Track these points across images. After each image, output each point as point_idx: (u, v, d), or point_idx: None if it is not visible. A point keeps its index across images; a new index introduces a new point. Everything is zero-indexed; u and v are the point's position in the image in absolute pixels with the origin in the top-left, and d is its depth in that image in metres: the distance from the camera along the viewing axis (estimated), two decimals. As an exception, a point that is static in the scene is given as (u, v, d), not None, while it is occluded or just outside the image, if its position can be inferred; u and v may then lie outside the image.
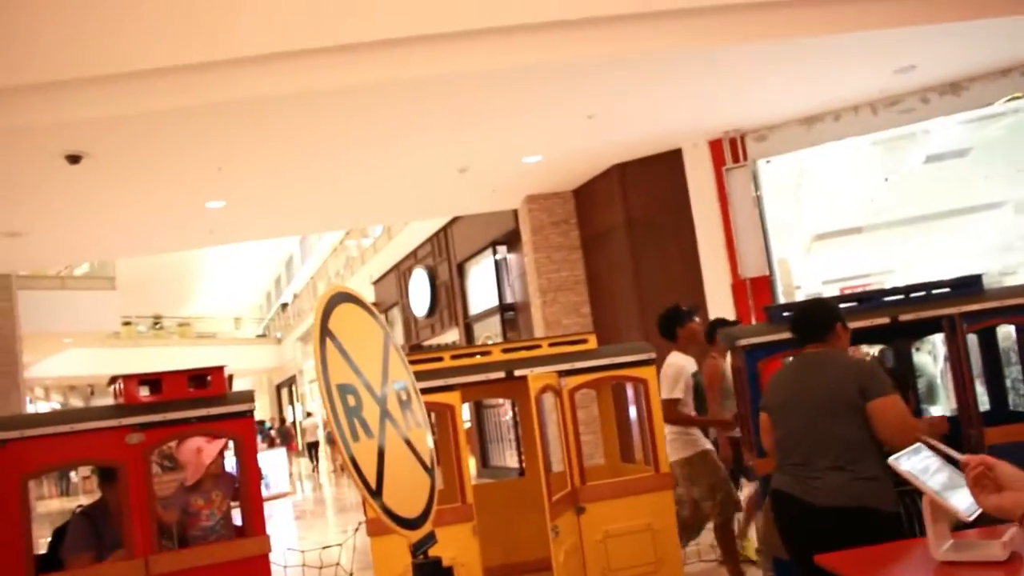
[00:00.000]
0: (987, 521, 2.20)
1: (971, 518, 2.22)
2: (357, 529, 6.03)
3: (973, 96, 9.36)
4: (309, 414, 30.74)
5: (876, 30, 7.42)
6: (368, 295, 22.05)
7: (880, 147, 10.47)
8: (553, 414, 4.96)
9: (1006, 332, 5.97)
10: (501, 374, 4.86)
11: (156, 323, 37.61)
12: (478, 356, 5.26)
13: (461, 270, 16.80)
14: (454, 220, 16.23)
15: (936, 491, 2.28)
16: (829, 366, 3.79)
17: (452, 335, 17.24)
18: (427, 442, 2.69)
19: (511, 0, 6.77)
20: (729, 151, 10.43)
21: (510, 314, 14.88)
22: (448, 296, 17.27)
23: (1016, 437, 4.41)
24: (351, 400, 2.29)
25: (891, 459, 2.41)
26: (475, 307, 16.36)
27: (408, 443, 2.54)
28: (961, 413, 4.72)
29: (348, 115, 8.04)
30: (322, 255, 29.63)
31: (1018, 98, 9.22)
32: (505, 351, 5.12)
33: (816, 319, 3.95)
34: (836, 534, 2.87)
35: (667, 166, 10.90)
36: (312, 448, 27.70)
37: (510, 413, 14.79)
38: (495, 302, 15.17)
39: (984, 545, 2.28)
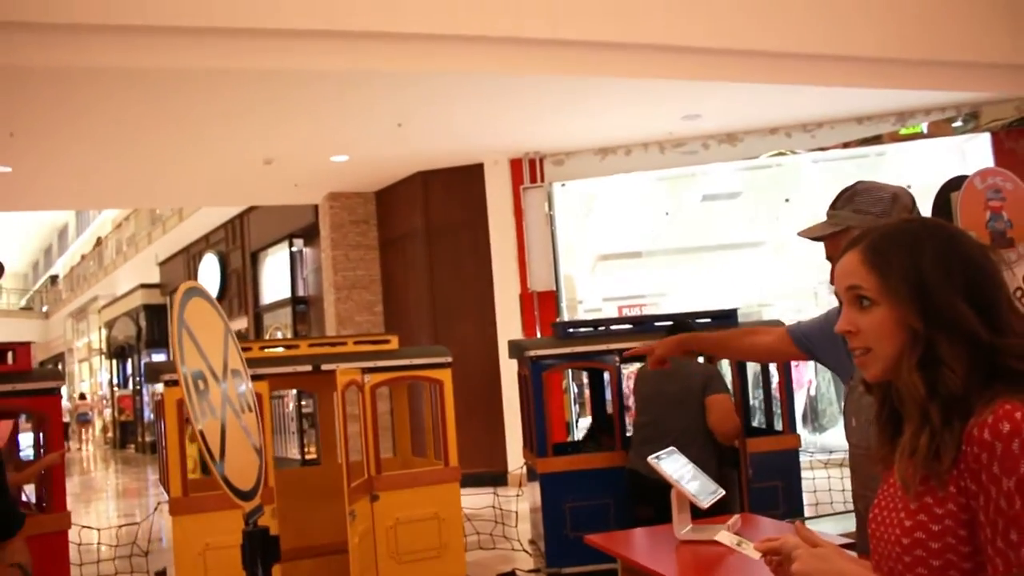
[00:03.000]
0: (718, 512, 2.78)
1: (706, 506, 2.80)
2: (157, 508, 6.09)
3: (746, 147, 10.49)
4: (83, 396, 29.10)
5: (662, 79, 8.28)
6: (152, 275, 21.35)
7: (664, 183, 11.48)
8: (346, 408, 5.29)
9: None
10: (308, 367, 5.14)
11: (-99, 286, 34.35)
12: (284, 349, 5.53)
13: (255, 259, 16.66)
14: (251, 209, 16.09)
15: (682, 485, 2.84)
16: (684, 370, 4.75)
17: (241, 323, 17.06)
18: (256, 425, 2.99)
19: (331, 6, 7.03)
20: (528, 171, 11.09)
21: (302, 307, 14.96)
22: (239, 284, 17.08)
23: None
24: (200, 384, 2.57)
25: (650, 459, 2.95)
26: (267, 297, 16.29)
27: (243, 425, 2.83)
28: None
29: (156, 94, 7.88)
30: (102, 229, 28.16)
31: (782, 154, 10.43)
32: (312, 345, 5.42)
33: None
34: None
35: (469, 179, 11.41)
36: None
37: (292, 405, 14.83)
38: (287, 294, 15.19)
39: (713, 528, 2.86)
